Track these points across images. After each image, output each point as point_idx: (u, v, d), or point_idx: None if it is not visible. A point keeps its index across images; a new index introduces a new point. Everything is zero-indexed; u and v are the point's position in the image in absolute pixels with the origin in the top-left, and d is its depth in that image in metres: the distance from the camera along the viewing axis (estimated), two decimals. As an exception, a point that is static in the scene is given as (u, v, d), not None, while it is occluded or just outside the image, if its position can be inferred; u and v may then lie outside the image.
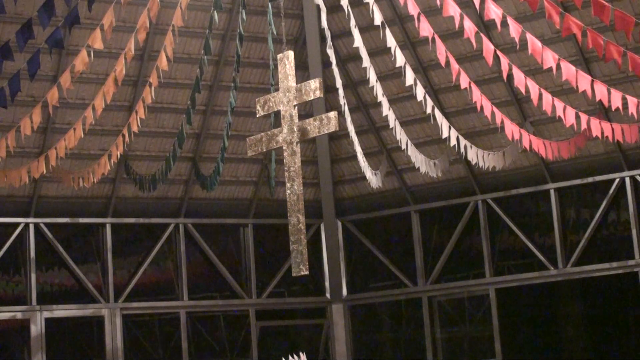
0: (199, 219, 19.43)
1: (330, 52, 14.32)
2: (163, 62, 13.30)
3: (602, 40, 10.99)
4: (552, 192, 18.48)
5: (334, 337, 19.96)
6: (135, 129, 14.02)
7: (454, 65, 12.57)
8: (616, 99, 12.13)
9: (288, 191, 11.31)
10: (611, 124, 14.04)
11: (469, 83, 12.92)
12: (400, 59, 13.11)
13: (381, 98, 14.29)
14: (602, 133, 13.72)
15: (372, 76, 13.92)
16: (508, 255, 18.97)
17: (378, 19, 12.92)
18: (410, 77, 13.17)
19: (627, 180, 17.87)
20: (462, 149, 15.03)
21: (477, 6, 11.83)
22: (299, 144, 11.41)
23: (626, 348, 17.89)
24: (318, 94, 11.32)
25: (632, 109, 12.36)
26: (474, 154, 15.38)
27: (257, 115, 11.99)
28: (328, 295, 20.15)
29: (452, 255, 19.34)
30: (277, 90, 12.01)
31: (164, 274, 19.33)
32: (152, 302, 18.92)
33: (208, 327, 19.36)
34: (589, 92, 11.99)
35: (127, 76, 16.97)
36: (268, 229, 20.09)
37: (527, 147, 14.68)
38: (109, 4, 13.68)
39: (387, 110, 14.42)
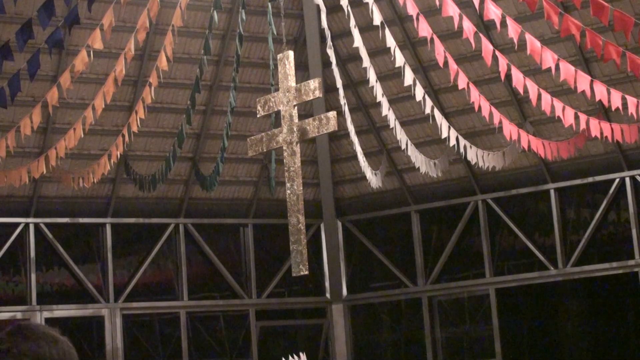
0: (199, 219, 19.44)
1: (330, 52, 14.33)
2: (163, 62, 13.31)
3: (600, 40, 11.00)
4: (552, 192, 18.49)
5: (334, 337, 19.97)
6: (135, 129, 14.03)
7: (452, 66, 12.58)
8: (616, 99, 12.14)
9: (288, 191, 11.32)
10: (611, 124, 14.05)
11: (467, 83, 12.94)
12: (399, 59, 13.12)
13: (381, 98, 14.30)
14: (602, 133, 13.73)
15: (372, 76, 13.93)
16: (508, 255, 18.98)
17: (377, 19, 12.93)
18: (409, 77, 13.18)
19: (627, 180, 17.87)
20: (462, 149, 15.04)
21: (477, 6, 11.84)
22: (298, 144, 11.42)
23: (626, 348, 17.90)
24: (318, 94, 11.33)
25: (631, 109, 12.37)
26: (473, 154, 15.39)
27: (258, 115, 12.01)
28: (328, 295, 20.16)
29: (452, 255, 19.34)
30: (277, 90, 12.02)
31: (164, 274, 19.34)
32: (152, 302, 18.93)
33: (208, 327, 19.36)
34: (588, 92, 12.00)
35: (127, 76, 16.96)
36: (268, 229, 20.09)
37: (526, 147, 14.70)
38: (109, 4, 13.68)
39: (386, 110, 14.43)
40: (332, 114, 11.12)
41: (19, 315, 17.80)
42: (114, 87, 13.40)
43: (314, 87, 11.34)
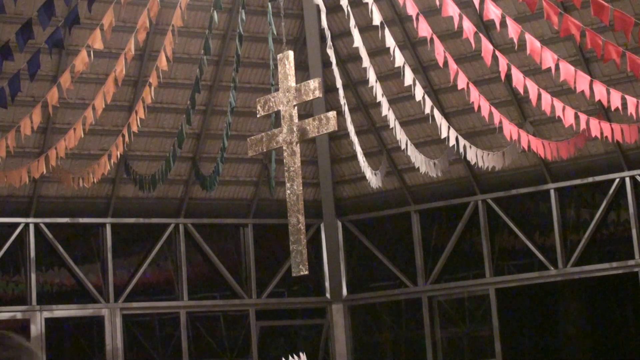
0: (199, 219, 19.44)
1: (330, 52, 14.32)
2: (163, 62, 13.30)
3: (600, 40, 11.00)
4: (552, 192, 18.48)
5: (334, 337, 19.96)
6: (135, 129, 14.03)
7: (452, 66, 12.58)
8: (615, 99, 12.14)
9: (288, 191, 11.32)
10: (611, 124, 14.04)
11: (467, 83, 12.93)
12: (399, 59, 13.12)
13: (381, 98, 14.30)
14: (602, 133, 13.72)
15: (371, 76, 13.93)
16: (508, 255, 18.97)
17: (377, 19, 12.92)
18: (409, 77, 13.18)
19: (627, 180, 17.87)
20: (462, 149, 15.04)
21: (477, 6, 11.83)
22: (298, 144, 11.41)
23: (626, 348, 17.89)
24: (317, 94, 11.32)
25: (631, 109, 12.36)
26: (473, 154, 15.38)
27: (258, 115, 12.01)
28: (328, 295, 20.15)
29: (452, 255, 19.34)
30: (277, 90, 12.01)
31: (164, 274, 19.34)
32: (152, 302, 18.93)
33: (208, 327, 19.36)
34: (588, 92, 11.99)
35: (127, 76, 16.97)
36: (268, 229, 20.09)
37: (526, 147, 14.69)
38: (109, 4, 13.68)
39: (386, 110, 14.42)
40: (332, 114, 11.12)
41: (18, 315, 17.80)
42: (114, 87, 13.40)
43: (314, 87, 11.33)
